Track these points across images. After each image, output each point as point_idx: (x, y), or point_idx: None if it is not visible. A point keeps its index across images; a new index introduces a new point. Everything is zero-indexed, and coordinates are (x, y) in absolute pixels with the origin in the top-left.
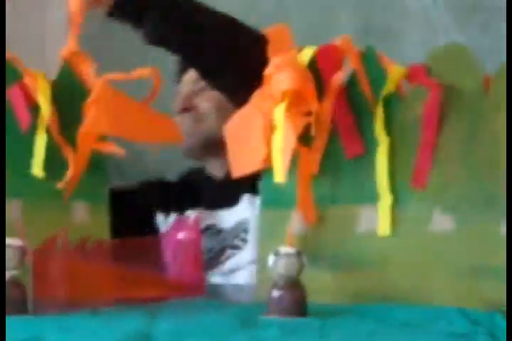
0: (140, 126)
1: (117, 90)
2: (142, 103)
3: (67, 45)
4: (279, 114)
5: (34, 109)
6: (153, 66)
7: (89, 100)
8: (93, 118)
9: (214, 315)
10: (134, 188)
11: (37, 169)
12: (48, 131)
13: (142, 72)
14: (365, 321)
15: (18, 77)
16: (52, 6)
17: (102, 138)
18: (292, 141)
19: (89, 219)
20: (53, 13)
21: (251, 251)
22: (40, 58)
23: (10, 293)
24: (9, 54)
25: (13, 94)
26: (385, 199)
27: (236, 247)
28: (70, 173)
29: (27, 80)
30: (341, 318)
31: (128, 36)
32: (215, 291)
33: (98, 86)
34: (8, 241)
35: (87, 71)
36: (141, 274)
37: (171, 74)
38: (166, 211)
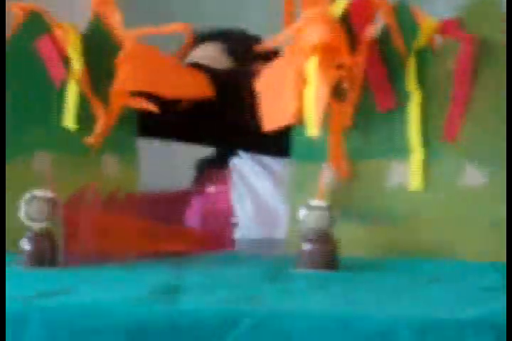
0: (172, 82)
1: (148, 45)
2: (173, 58)
3: None
4: (311, 67)
5: (64, 61)
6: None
7: (120, 56)
8: (125, 75)
9: (243, 268)
10: None
11: (70, 121)
12: (78, 85)
13: (174, 27)
14: (395, 275)
15: (47, 30)
16: None
17: (134, 94)
18: (324, 95)
19: (118, 172)
20: None
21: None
22: (70, 12)
23: (41, 244)
24: (38, 6)
25: (43, 46)
26: (417, 154)
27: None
28: (99, 128)
29: (57, 32)
30: (371, 272)
31: None
32: (246, 245)
33: (129, 41)
34: (39, 193)
35: (117, 23)
36: (171, 227)
37: None
38: None
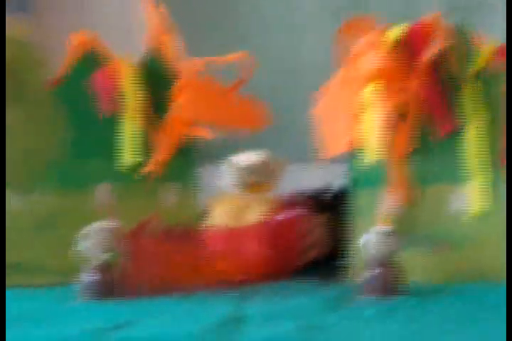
0: (229, 111)
1: (206, 75)
2: (231, 88)
3: (155, 20)
4: (371, 93)
5: (122, 94)
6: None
7: (178, 85)
8: (183, 104)
9: (308, 297)
10: None
11: (128, 156)
12: (134, 119)
13: (234, 55)
14: (459, 301)
15: (103, 64)
16: None
17: (191, 123)
18: (386, 120)
19: (178, 202)
20: None
21: None
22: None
23: (103, 276)
24: (96, 39)
25: (96, 80)
26: (477, 179)
27: None
28: (158, 157)
29: (111, 67)
30: (436, 298)
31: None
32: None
33: (187, 71)
34: (102, 223)
35: (176, 52)
36: (231, 257)
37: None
38: None
